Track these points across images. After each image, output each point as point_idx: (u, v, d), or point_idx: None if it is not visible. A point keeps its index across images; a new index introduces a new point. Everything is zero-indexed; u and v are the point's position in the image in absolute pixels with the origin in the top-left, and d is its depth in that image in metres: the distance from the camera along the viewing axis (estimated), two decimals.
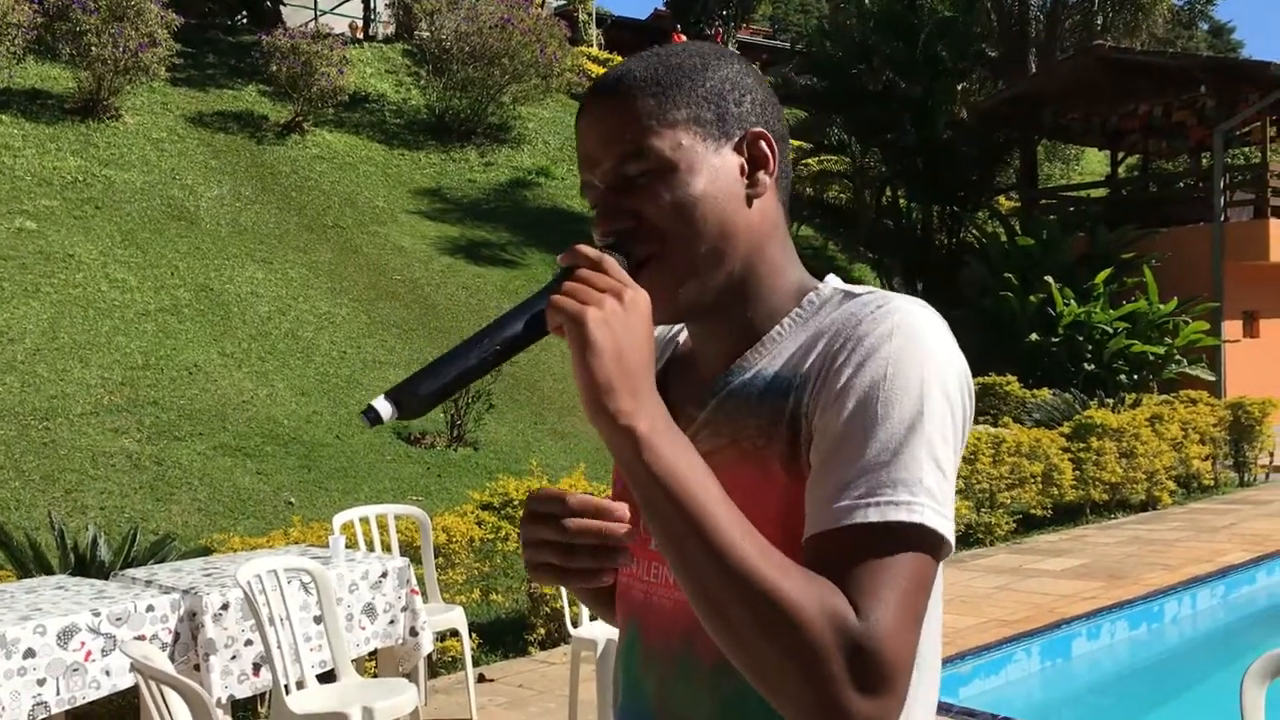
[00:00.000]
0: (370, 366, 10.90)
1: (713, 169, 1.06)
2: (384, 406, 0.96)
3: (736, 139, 1.08)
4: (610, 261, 0.98)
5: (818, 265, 16.21)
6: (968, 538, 8.92)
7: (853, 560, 0.93)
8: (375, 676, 4.75)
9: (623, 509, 0.99)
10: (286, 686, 3.72)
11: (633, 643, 1.17)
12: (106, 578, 4.62)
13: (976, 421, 10.97)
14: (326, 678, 4.13)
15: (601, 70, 21.69)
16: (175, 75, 15.17)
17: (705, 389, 1.12)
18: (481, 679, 5.55)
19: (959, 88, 17.92)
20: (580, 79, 19.58)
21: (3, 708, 3.42)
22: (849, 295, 1.09)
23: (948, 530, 0.96)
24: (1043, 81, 16.95)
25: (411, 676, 4.91)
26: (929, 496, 0.95)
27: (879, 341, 0.99)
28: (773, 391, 1.06)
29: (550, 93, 18.17)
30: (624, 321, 0.94)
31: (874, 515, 0.94)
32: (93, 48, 13.12)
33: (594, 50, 23.76)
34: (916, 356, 0.99)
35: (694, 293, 1.08)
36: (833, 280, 1.14)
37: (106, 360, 9.39)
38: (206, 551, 5.40)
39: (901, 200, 18.44)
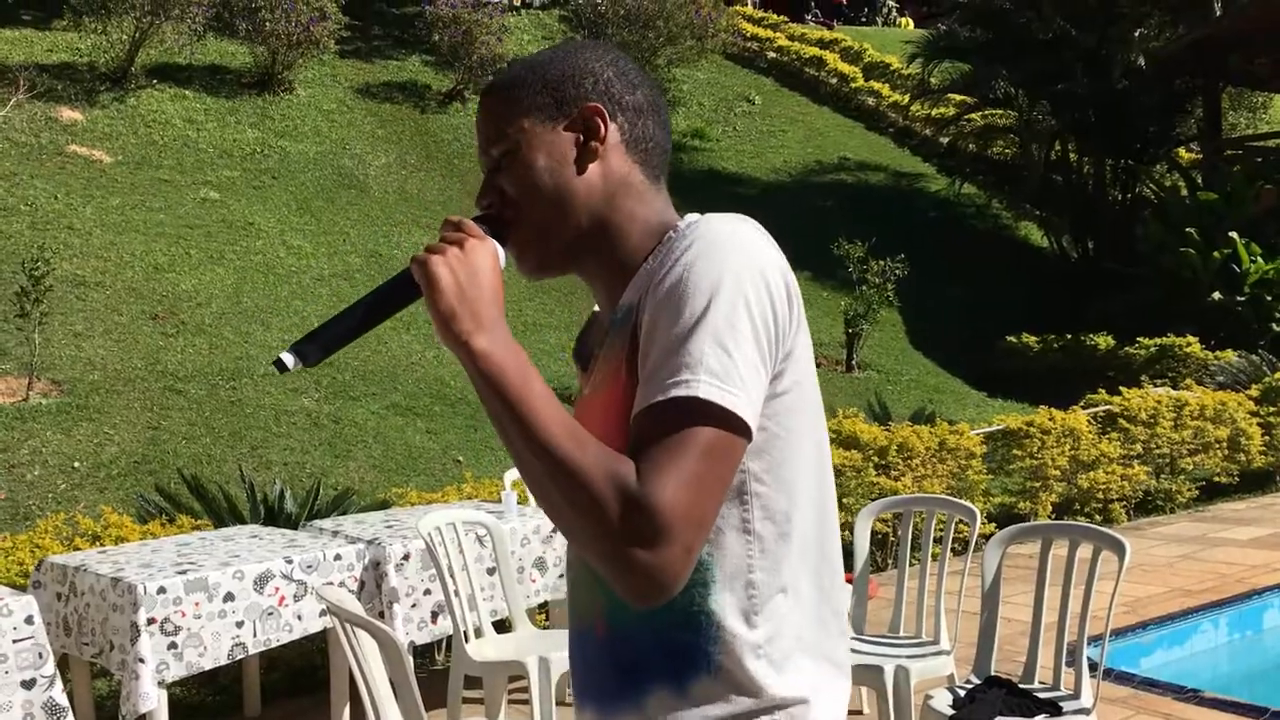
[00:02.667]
0: (531, 329, 11.10)
1: (548, 144, 1.27)
2: (288, 357, 1.18)
3: (572, 116, 1.27)
4: (467, 222, 1.22)
5: (981, 224, 15.72)
6: (1146, 505, 8.56)
7: (646, 438, 1.10)
8: (547, 629, 4.87)
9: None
10: (465, 634, 3.84)
11: (570, 559, 1.35)
12: (295, 528, 4.85)
13: (1155, 383, 10.50)
14: (500, 628, 4.25)
15: (755, 29, 21.44)
16: (343, 48, 15.67)
17: (601, 334, 1.33)
18: None
19: (1136, 33, 16.96)
20: (736, 39, 19.39)
21: (205, 647, 3.63)
22: (689, 225, 1.23)
23: (730, 402, 1.09)
24: (1228, 24, 15.93)
25: None
26: (709, 374, 1.10)
27: (681, 253, 1.17)
28: (626, 316, 1.24)
29: (705, 54, 18.05)
30: (463, 262, 1.17)
31: (658, 395, 1.11)
32: (267, 23, 13.65)
33: (748, 9, 23.48)
34: (711, 259, 1.14)
35: (549, 246, 1.29)
36: (691, 216, 1.29)
37: (286, 324, 9.82)
38: (385, 505, 5.61)
39: (1072, 154, 17.65)
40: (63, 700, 3.36)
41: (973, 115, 18.48)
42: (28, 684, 3.34)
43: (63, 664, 4.04)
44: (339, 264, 11.17)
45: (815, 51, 20.94)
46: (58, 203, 10.76)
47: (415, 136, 14.71)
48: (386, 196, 12.93)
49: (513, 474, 5.34)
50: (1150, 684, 4.75)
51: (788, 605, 1.21)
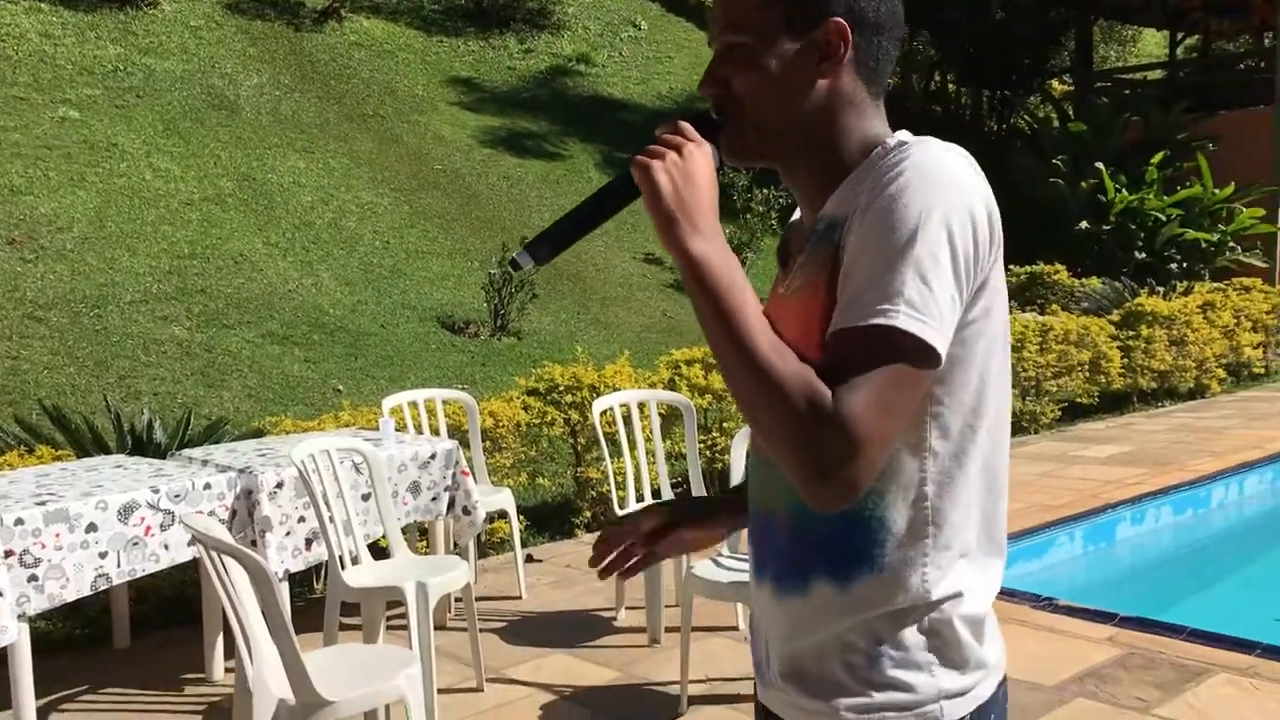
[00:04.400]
0: (413, 256, 10.92)
1: (785, 52, 1.27)
2: (524, 258, 1.27)
3: (816, 28, 1.27)
4: (684, 125, 1.26)
5: None
6: (1012, 426, 8.87)
7: (843, 359, 1.15)
8: (426, 554, 4.86)
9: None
10: (341, 560, 3.81)
11: (752, 449, 1.44)
12: (163, 458, 4.73)
13: (1023, 309, 10.86)
14: (379, 555, 4.23)
15: None
16: None
17: (802, 238, 1.36)
18: (530, 559, 5.67)
19: None
20: None
21: (67, 579, 3.53)
22: (902, 144, 1.25)
23: (926, 334, 1.14)
24: None
25: (463, 556, 5.01)
26: (908, 305, 1.14)
27: (892, 179, 1.18)
28: (829, 230, 1.27)
29: None
30: (681, 168, 1.22)
31: (859, 320, 1.15)
32: None
33: None
34: (921, 189, 1.16)
35: (762, 147, 1.33)
36: (901, 134, 1.31)
37: (154, 249, 9.47)
38: (260, 434, 5.50)
39: (950, 85, 17.96)
40: None
41: None
42: None
43: None
44: (209, 188, 10.79)
45: None
46: None
47: (289, 56, 14.19)
48: (259, 118, 12.48)
49: (391, 401, 5.28)
50: (1009, 593, 4.97)
51: (956, 520, 1.27)
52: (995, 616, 1.35)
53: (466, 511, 4.63)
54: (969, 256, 1.18)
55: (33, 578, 3.46)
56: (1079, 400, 9.47)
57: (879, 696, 1.28)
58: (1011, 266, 12.80)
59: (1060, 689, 3.94)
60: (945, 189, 1.17)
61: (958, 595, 1.28)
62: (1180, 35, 18.44)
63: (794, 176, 1.36)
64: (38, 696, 3.76)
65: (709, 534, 1.58)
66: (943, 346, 1.16)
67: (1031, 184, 14.54)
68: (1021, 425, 8.93)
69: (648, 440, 5.02)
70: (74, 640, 4.60)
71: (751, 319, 1.17)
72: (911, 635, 1.27)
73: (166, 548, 3.82)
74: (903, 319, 1.13)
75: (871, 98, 1.32)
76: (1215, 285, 12.14)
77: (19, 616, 3.44)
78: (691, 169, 1.22)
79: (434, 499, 4.58)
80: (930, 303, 1.14)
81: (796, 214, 1.46)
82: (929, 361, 1.16)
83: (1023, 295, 12.38)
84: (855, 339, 1.15)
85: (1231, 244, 13.99)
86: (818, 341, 1.21)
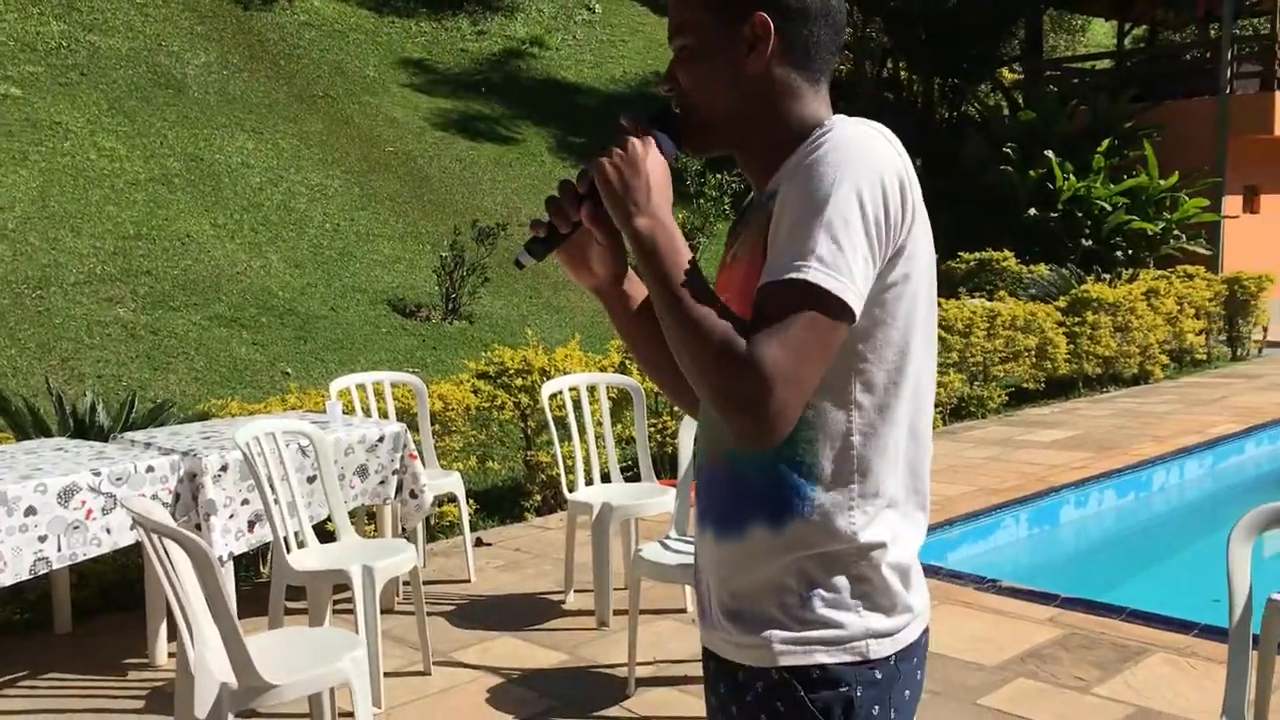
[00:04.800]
0: (364, 239, 10.82)
1: (719, 45, 1.41)
2: (525, 258, 1.49)
3: (744, 22, 1.39)
4: (633, 123, 1.44)
5: None
6: (960, 410, 8.99)
7: (761, 311, 1.28)
8: (373, 537, 4.83)
9: (582, 188, 1.47)
10: (286, 543, 3.78)
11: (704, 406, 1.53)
12: (106, 441, 4.66)
13: (972, 295, 10.97)
14: (326, 538, 4.20)
15: None
16: None
17: (750, 211, 1.51)
18: (479, 543, 5.65)
19: None
20: None
21: (4, 562, 3.48)
22: (829, 126, 1.37)
23: (834, 287, 1.26)
24: None
25: (411, 539, 4.99)
26: (818, 261, 1.26)
27: (811, 151, 1.33)
28: (766, 202, 1.40)
29: None
30: (625, 159, 1.40)
31: (776, 276, 1.28)
32: None
33: None
34: (835, 159, 1.30)
35: (712, 134, 1.47)
36: (837, 117, 1.41)
37: (98, 230, 9.31)
38: (205, 417, 5.43)
39: (903, 73, 18.07)
40: None
41: None
42: None
43: None
44: (156, 167, 10.61)
45: None
46: None
47: (238, 35, 13.97)
48: (207, 97, 12.29)
49: (338, 384, 5.24)
50: (955, 575, 5.05)
51: (881, 470, 1.39)
52: (920, 567, 1.46)
53: (414, 495, 4.61)
54: (879, 221, 1.29)
55: None
56: (1026, 385, 9.60)
57: (810, 632, 1.38)
58: (960, 253, 12.93)
59: (1002, 669, 4.00)
60: (857, 159, 1.30)
61: (884, 544, 1.39)
62: (1128, 26, 18.68)
63: (746, 162, 1.49)
64: None
65: (601, 275, 1.59)
66: (854, 300, 1.28)
67: (981, 171, 14.68)
68: (969, 410, 9.04)
69: (597, 424, 5.02)
70: (14, 625, 4.53)
71: (683, 278, 1.33)
72: (841, 579, 1.39)
73: (108, 531, 3.77)
74: (813, 274, 1.26)
75: (809, 84, 1.43)
76: (1159, 273, 12.34)
77: None
78: (633, 157, 1.39)
79: (382, 482, 4.55)
80: (840, 260, 1.27)
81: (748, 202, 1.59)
82: (840, 314, 1.28)
83: (972, 281, 12.51)
84: (772, 294, 1.28)
85: (1176, 232, 14.21)
86: (750, 293, 1.34)
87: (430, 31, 16.28)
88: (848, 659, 1.39)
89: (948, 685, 3.88)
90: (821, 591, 1.38)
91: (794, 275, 1.26)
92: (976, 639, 4.29)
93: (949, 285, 12.07)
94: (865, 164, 1.30)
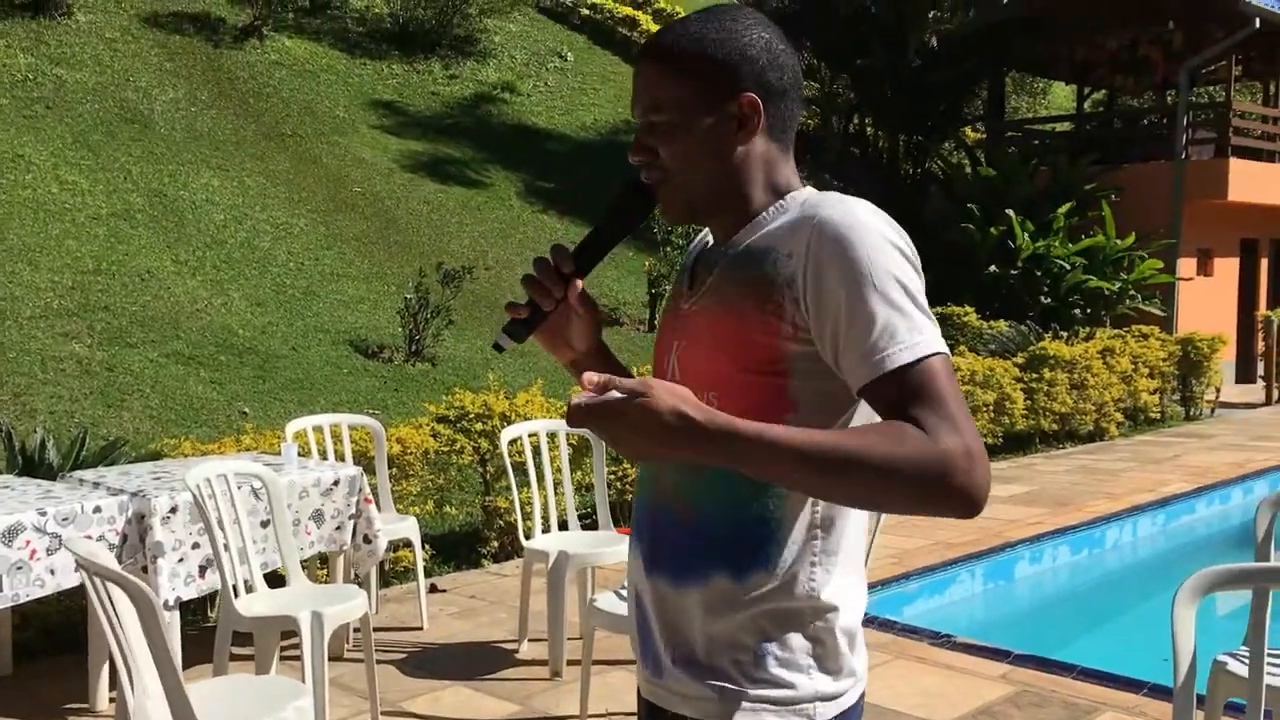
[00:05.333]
0: (328, 279, 10.78)
1: (704, 125, 1.44)
2: (505, 340, 1.50)
3: (731, 100, 1.43)
4: (605, 382, 1.27)
5: None
6: None
7: (908, 397, 1.29)
8: (326, 583, 4.77)
9: (569, 264, 1.52)
10: (235, 589, 3.72)
11: None
12: (54, 479, 4.58)
13: None
14: (277, 583, 4.14)
15: None
16: None
17: (714, 261, 1.51)
18: (434, 589, 5.60)
19: (930, 14, 17.72)
20: None
21: None
22: (811, 194, 1.46)
23: (943, 345, 1.32)
24: (1014, 10, 16.84)
25: (364, 585, 4.93)
26: (921, 331, 1.31)
27: (830, 231, 1.35)
28: (756, 259, 1.43)
29: (518, 5, 17.81)
30: (652, 407, 1.25)
31: (895, 362, 1.29)
32: None
33: None
34: (878, 232, 1.35)
35: (693, 204, 1.50)
36: (808, 188, 1.50)
37: (56, 264, 9.21)
38: (157, 456, 5.36)
39: (869, 128, 18.34)
40: None
41: None
42: None
43: None
44: (118, 202, 10.54)
45: (629, 11, 20.95)
46: None
47: (207, 72, 13.97)
48: (174, 134, 12.25)
49: (294, 425, 5.19)
50: (910, 630, 5.05)
51: (842, 527, 1.43)
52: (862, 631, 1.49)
53: (368, 540, 4.56)
54: (916, 263, 1.37)
55: None
56: (984, 440, 9.66)
57: (762, 690, 1.40)
58: None
59: None
60: (877, 226, 1.35)
61: (837, 607, 1.43)
62: (1087, 90, 19.08)
63: (712, 220, 1.53)
64: None
65: (578, 348, 1.62)
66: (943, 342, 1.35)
67: (944, 227, 14.87)
68: None
69: (556, 471, 5.00)
70: None
71: (807, 441, 1.25)
72: (797, 638, 1.41)
73: (52, 573, 3.70)
74: (927, 344, 1.30)
75: (781, 151, 1.49)
76: (1115, 332, 12.52)
77: None
78: (655, 404, 1.25)
79: (338, 528, 4.50)
80: (929, 319, 1.33)
81: (702, 238, 1.63)
82: (946, 356, 1.33)
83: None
84: (905, 378, 1.29)
85: (1132, 292, 14.43)
86: (731, 354, 1.40)
87: (402, 74, 16.35)
88: None
89: None
90: (776, 650, 1.40)
91: (918, 355, 1.30)
92: (929, 694, 4.29)
93: None
94: (886, 229, 1.36)
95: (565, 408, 1.38)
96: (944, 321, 12.77)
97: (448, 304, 9.68)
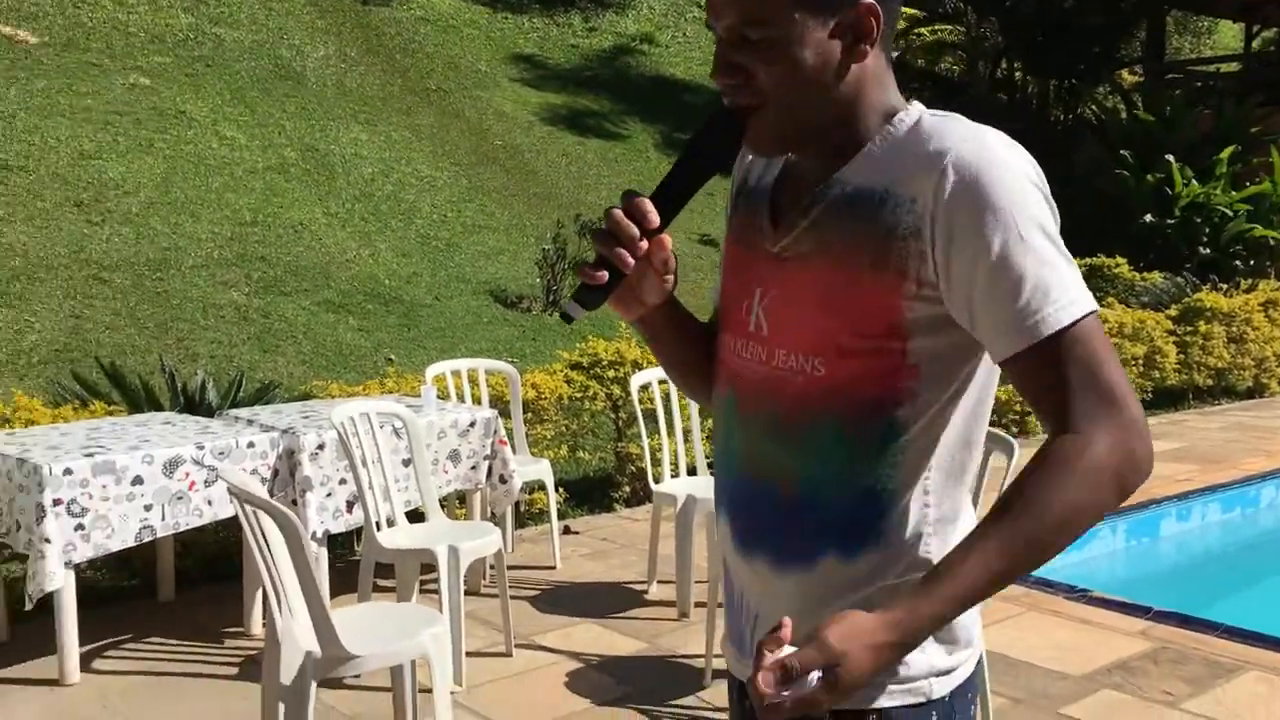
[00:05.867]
0: (470, 231, 11.02)
1: (817, 42, 1.22)
2: (574, 309, 1.27)
3: (849, 7, 1.22)
4: (785, 671, 1.08)
5: None
6: None
7: (1067, 365, 1.16)
8: (464, 519, 4.94)
9: (653, 215, 1.25)
10: (377, 523, 3.90)
11: (730, 404, 1.38)
12: (212, 417, 4.85)
13: None
14: (417, 519, 4.31)
15: None
16: None
17: (806, 199, 1.30)
18: (567, 530, 5.74)
19: None
20: None
21: (112, 529, 3.66)
22: (928, 118, 1.26)
23: (1090, 304, 1.18)
24: None
25: (500, 524, 5.10)
26: (1071, 289, 1.17)
27: (972, 175, 1.17)
28: (866, 202, 1.24)
29: None
30: (852, 677, 1.09)
31: (1050, 327, 1.15)
32: None
33: None
34: (1022, 173, 1.18)
35: (793, 136, 1.29)
36: (917, 105, 1.30)
37: (216, 216, 9.66)
38: (306, 397, 5.62)
39: (1017, 73, 17.69)
40: None
41: (922, 30, 18.39)
42: None
43: None
44: (274, 157, 10.97)
45: None
46: None
47: (356, 29, 14.35)
48: (324, 90, 12.65)
49: (434, 369, 5.37)
50: (1045, 584, 4.95)
51: (955, 492, 1.30)
52: None
53: (503, 480, 4.70)
54: (1056, 211, 1.22)
55: (79, 526, 3.59)
56: None
57: None
58: (1073, 259, 12.62)
59: (1088, 679, 3.93)
60: (1017, 165, 1.19)
61: None
62: (1256, 28, 17.98)
63: (810, 152, 1.32)
64: (84, 643, 3.90)
65: (649, 314, 1.39)
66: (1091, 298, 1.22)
67: (1096, 175, 14.29)
68: None
69: (686, 418, 5.06)
70: (122, 592, 4.75)
71: (1020, 542, 1.13)
72: None
73: (210, 503, 3.94)
74: (1070, 309, 1.16)
75: (887, 64, 1.30)
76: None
77: (65, 564, 3.57)
78: (856, 665, 1.10)
79: (473, 467, 4.65)
80: (1072, 267, 1.18)
81: (752, 159, 1.43)
82: (1096, 313, 1.20)
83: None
84: (1067, 344, 1.16)
85: None
86: (844, 318, 1.23)
87: (542, 27, 16.48)
88: (908, 701, 1.28)
89: (1030, 693, 3.83)
90: None
91: (1073, 316, 1.16)
92: (1063, 648, 4.22)
93: None
94: (1028, 167, 1.20)
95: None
96: (1094, 273, 12.33)
97: (585, 255, 9.79)
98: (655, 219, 1.25)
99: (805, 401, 1.27)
